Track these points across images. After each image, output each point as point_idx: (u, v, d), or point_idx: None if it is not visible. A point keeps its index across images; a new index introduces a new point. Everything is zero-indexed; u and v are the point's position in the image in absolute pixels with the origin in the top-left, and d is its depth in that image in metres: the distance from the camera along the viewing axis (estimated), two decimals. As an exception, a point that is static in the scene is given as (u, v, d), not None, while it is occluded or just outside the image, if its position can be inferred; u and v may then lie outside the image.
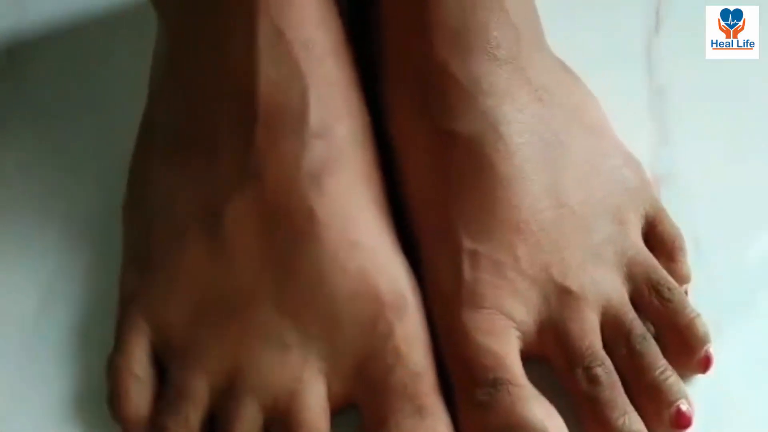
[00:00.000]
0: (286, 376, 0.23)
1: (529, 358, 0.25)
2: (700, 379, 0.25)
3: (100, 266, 0.28)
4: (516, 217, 0.25)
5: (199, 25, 0.26)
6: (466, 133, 0.26)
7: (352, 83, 0.27)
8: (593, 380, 0.24)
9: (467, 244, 0.25)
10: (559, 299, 0.25)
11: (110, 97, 0.32)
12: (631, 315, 0.25)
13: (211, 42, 0.26)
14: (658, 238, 0.27)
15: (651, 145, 0.30)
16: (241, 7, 0.25)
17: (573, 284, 0.25)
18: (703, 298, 0.26)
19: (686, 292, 0.26)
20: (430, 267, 0.26)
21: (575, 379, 0.24)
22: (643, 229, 0.27)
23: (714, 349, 0.25)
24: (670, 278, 0.26)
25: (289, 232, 0.24)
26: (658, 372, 0.24)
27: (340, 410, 0.24)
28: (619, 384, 0.24)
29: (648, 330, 0.25)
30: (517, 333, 0.25)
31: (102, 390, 0.24)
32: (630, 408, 0.24)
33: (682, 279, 0.26)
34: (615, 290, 0.25)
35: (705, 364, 0.25)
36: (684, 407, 0.24)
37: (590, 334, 0.24)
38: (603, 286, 0.25)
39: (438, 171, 0.26)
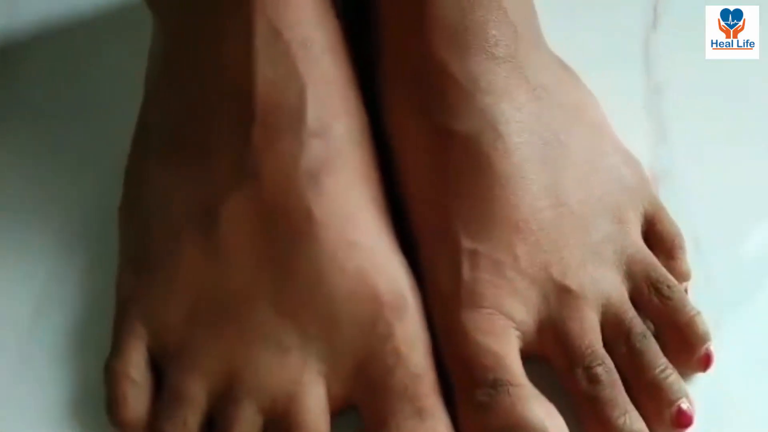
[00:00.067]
0: (285, 377, 0.23)
1: (528, 357, 0.24)
2: (699, 377, 0.25)
3: (96, 269, 0.27)
4: (515, 216, 0.25)
5: (195, 25, 0.26)
6: (465, 131, 0.25)
7: (350, 82, 0.27)
8: (593, 379, 0.24)
9: (466, 243, 0.25)
10: (559, 298, 0.25)
11: (104, 98, 0.32)
12: (630, 313, 0.25)
13: (208, 41, 0.26)
14: (657, 237, 0.27)
15: (649, 144, 0.30)
16: (238, 6, 0.25)
17: (572, 283, 0.25)
18: (702, 295, 0.26)
19: (686, 290, 0.26)
20: (429, 267, 0.25)
21: (575, 379, 0.24)
22: (642, 227, 0.27)
23: (714, 346, 0.25)
24: (669, 276, 0.26)
25: (287, 232, 0.24)
26: (658, 371, 0.24)
27: (339, 411, 0.24)
28: (619, 383, 0.24)
29: (648, 328, 0.25)
30: (517, 333, 0.24)
31: (99, 395, 0.24)
32: (631, 407, 0.24)
33: (681, 277, 0.26)
34: (615, 289, 0.25)
35: (705, 363, 0.25)
36: (685, 406, 0.24)
37: (590, 333, 0.24)
38: (603, 284, 0.25)
39: (436, 170, 0.26)
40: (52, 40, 0.33)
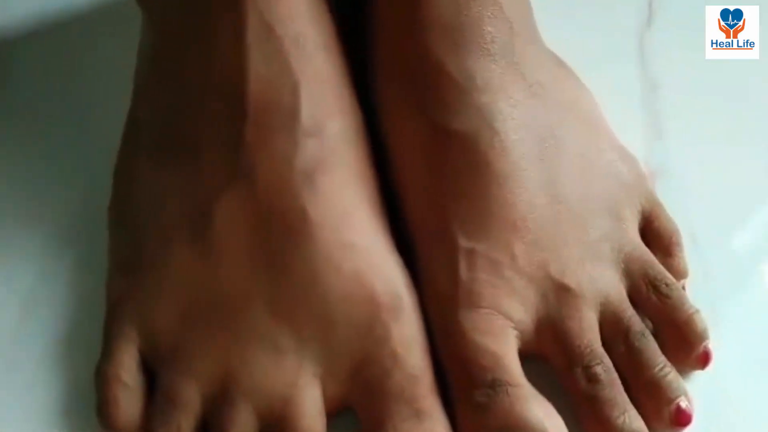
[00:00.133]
0: (281, 380, 0.23)
1: (527, 357, 0.24)
2: (697, 374, 0.25)
3: (86, 269, 0.27)
4: (512, 214, 0.25)
5: (185, 20, 0.26)
6: (461, 130, 0.25)
7: (344, 80, 0.26)
8: (592, 379, 0.23)
9: (463, 243, 0.24)
10: (557, 297, 0.24)
11: (95, 95, 0.31)
12: (629, 312, 0.25)
13: (198, 37, 0.25)
14: (654, 234, 0.26)
15: (644, 140, 0.30)
16: (229, 1, 0.25)
17: (571, 282, 0.24)
18: (699, 292, 0.26)
19: (683, 287, 0.26)
20: (426, 267, 0.25)
21: (574, 378, 0.24)
22: (639, 224, 0.27)
23: (711, 344, 0.25)
24: (667, 274, 0.26)
25: (282, 232, 0.24)
26: (657, 369, 0.24)
27: (336, 413, 0.24)
28: (618, 382, 0.24)
29: (646, 326, 0.25)
30: (515, 332, 0.24)
31: (90, 399, 0.24)
32: (630, 406, 0.23)
33: (679, 274, 0.26)
34: (613, 287, 0.25)
35: (704, 360, 0.25)
36: (683, 404, 0.24)
37: (589, 332, 0.24)
38: (601, 283, 0.25)
39: (433, 169, 0.25)
40: (45, 36, 0.33)
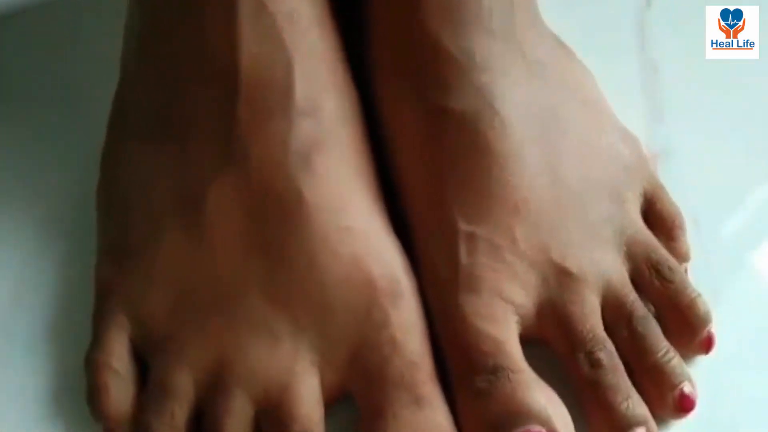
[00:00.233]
0: (277, 367, 0.22)
1: (528, 342, 0.24)
2: (698, 358, 0.25)
3: (74, 255, 0.26)
4: (513, 197, 0.24)
5: (174, -3, 0.25)
6: (460, 109, 0.25)
7: (340, 57, 0.26)
8: (595, 364, 0.23)
9: (463, 226, 0.24)
10: (559, 281, 0.24)
11: (82, 77, 0.30)
12: (632, 296, 0.24)
13: (188, 15, 0.25)
14: (656, 216, 0.26)
15: (645, 123, 0.30)
16: None
17: (572, 266, 0.24)
18: (701, 275, 0.26)
19: (686, 271, 0.26)
20: (425, 250, 0.25)
21: (577, 364, 0.23)
22: (641, 206, 0.26)
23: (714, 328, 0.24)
24: (670, 258, 0.25)
25: (277, 215, 0.23)
26: (660, 354, 0.24)
27: (334, 401, 0.23)
28: (621, 367, 0.23)
29: (648, 310, 0.24)
30: (516, 317, 0.24)
31: (80, 388, 0.23)
32: (633, 391, 0.23)
33: (681, 257, 0.26)
34: (615, 271, 0.25)
35: (707, 345, 0.24)
36: (687, 390, 0.23)
37: (591, 317, 0.24)
38: (603, 266, 0.24)
39: (431, 150, 0.25)
40: (29, 16, 0.32)
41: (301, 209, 0.23)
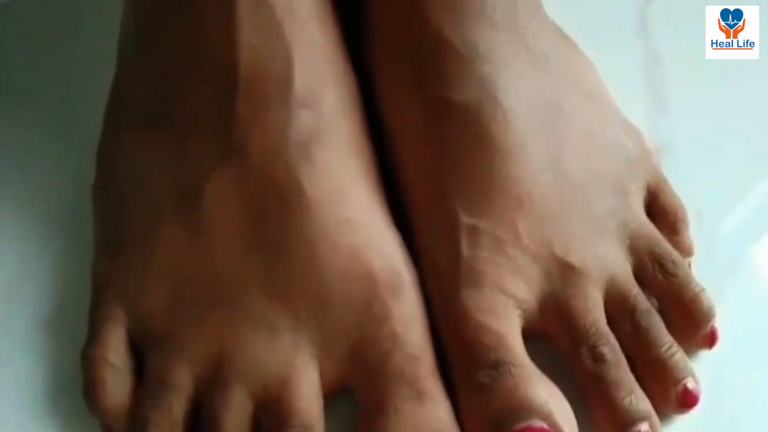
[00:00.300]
0: (276, 361, 0.22)
1: (530, 336, 0.24)
2: (701, 353, 0.24)
3: (71, 250, 0.26)
4: (516, 190, 0.24)
5: (171, -14, 0.25)
6: (463, 101, 0.24)
7: (339, 48, 0.25)
8: (598, 359, 0.23)
9: (465, 219, 0.24)
10: (562, 275, 0.24)
11: (79, 68, 0.30)
12: (635, 290, 0.24)
13: (186, 5, 0.24)
14: (660, 210, 0.26)
15: (648, 115, 0.29)
16: None
17: (575, 260, 0.24)
18: (704, 270, 0.25)
19: (689, 265, 0.26)
20: (426, 243, 0.24)
21: (580, 358, 0.23)
22: (645, 200, 0.26)
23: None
24: (674, 251, 0.25)
25: (276, 208, 0.23)
26: (663, 349, 0.23)
27: (334, 395, 0.23)
28: (624, 362, 0.23)
29: (652, 305, 0.24)
30: (519, 311, 0.24)
31: (76, 382, 0.23)
32: (636, 386, 0.23)
33: (684, 251, 0.26)
34: (618, 265, 0.24)
35: (710, 340, 0.24)
36: (690, 385, 0.23)
37: (594, 311, 0.24)
38: (606, 260, 0.24)
39: (432, 142, 0.25)
40: (26, 6, 0.32)
41: (300, 201, 0.23)
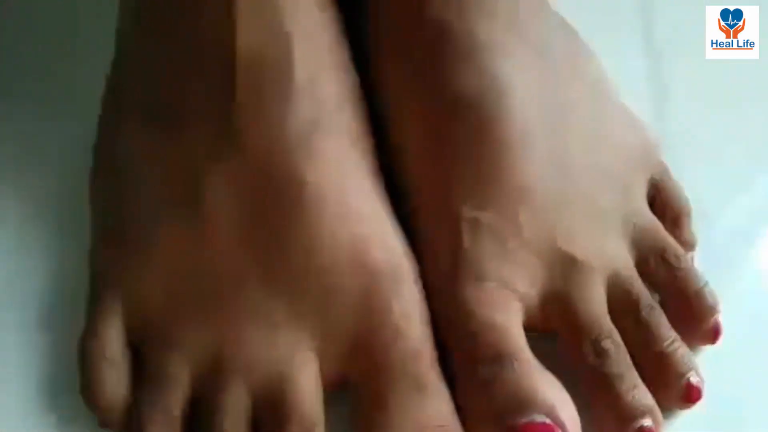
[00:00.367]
0: (276, 356, 0.22)
1: (532, 330, 0.23)
2: (704, 349, 0.24)
3: (68, 242, 0.26)
4: (518, 182, 0.24)
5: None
6: (464, 92, 0.24)
7: (339, 40, 0.25)
8: (601, 353, 0.23)
9: (466, 211, 0.23)
10: (564, 269, 0.24)
11: (77, 56, 0.29)
12: (638, 284, 0.24)
13: (185, -6, 0.24)
14: (663, 204, 0.26)
15: (650, 109, 0.29)
16: None
17: (578, 253, 0.24)
18: (707, 263, 0.25)
19: (692, 260, 0.25)
20: (427, 236, 0.24)
21: (582, 353, 0.23)
22: (648, 193, 0.26)
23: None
24: (677, 246, 0.25)
25: (276, 199, 0.23)
26: (667, 343, 0.23)
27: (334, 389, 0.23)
28: (627, 357, 0.23)
29: (654, 299, 0.24)
30: (520, 305, 0.23)
31: (72, 376, 0.23)
32: (639, 381, 0.23)
33: (687, 245, 0.25)
34: (621, 258, 0.24)
35: (713, 335, 0.24)
36: (694, 380, 0.23)
37: (597, 306, 0.23)
38: (609, 254, 0.24)
39: (433, 134, 0.24)
40: (27, 3, 0.31)
41: (300, 193, 0.23)
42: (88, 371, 0.22)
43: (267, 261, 0.23)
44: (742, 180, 0.28)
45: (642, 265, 0.24)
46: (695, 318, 0.24)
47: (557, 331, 0.24)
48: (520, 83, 0.24)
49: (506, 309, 0.23)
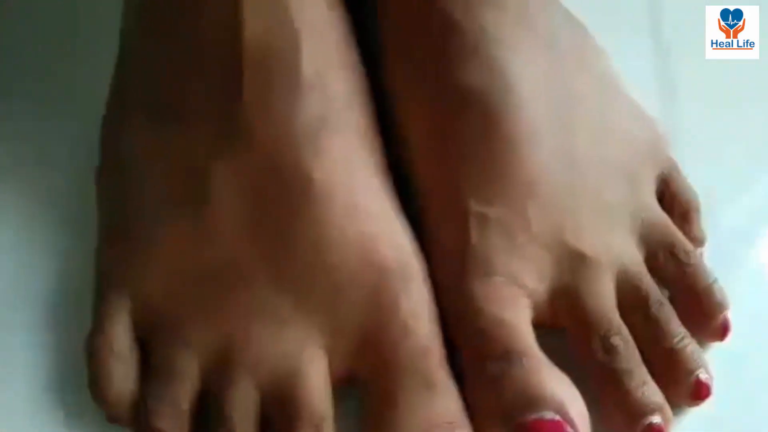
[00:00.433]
0: (284, 352, 0.22)
1: (541, 326, 0.23)
2: (714, 345, 0.24)
3: (75, 238, 0.25)
4: (527, 177, 0.24)
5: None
6: (472, 85, 0.24)
7: (347, 35, 0.25)
8: (610, 350, 0.23)
9: (474, 206, 0.23)
10: (573, 264, 0.23)
11: (82, 52, 0.29)
12: (647, 280, 0.24)
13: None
14: (672, 199, 0.26)
15: (657, 104, 0.29)
16: None
17: (586, 248, 0.23)
18: (715, 259, 0.25)
19: (701, 255, 0.25)
20: (435, 231, 0.24)
21: (591, 349, 0.23)
22: (657, 188, 0.26)
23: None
24: (686, 241, 0.25)
25: (283, 196, 0.23)
26: (676, 340, 0.23)
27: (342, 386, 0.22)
28: (637, 353, 0.23)
29: (663, 295, 0.24)
30: (528, 301, 0.23)
31: (80, 372, 0.23)
32: (648, 378, 0.23)
33: (696, 241, 0.25)
34: (630, 254, 0.24)
35: (723, 331, 0.24)
36: (703, 377, 0.23)
37: (605, 301, 0.23)
38: (617, 249, 0.24)
39: (441, 128, 0.24)
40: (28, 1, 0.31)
41: (308, 189, 0.23)
42: (95, 366, 0.22)
43: (274, 257, 0.22)
44: (743, 180, 0.28)
45: (651, 261, 0.24)
46: (704, 314, 0.24)
47: (566, 327, 0.23)
48: (528, 77, 0.24)
49: (515, 305, 0.23)
